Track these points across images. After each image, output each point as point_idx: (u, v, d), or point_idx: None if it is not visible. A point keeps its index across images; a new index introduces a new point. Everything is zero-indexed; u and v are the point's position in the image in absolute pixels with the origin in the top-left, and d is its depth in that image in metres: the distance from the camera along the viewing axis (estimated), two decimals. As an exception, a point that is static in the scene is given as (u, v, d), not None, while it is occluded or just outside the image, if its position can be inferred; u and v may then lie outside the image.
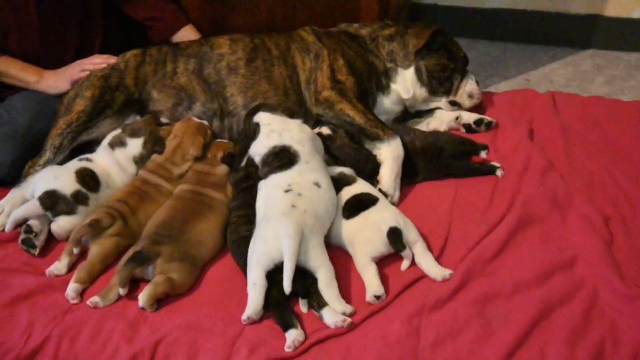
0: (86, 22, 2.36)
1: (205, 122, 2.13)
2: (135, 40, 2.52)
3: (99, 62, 2.23)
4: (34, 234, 1.82)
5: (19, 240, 1.85)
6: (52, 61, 2.28)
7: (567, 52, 3.31)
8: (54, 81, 2.24)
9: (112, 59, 2.25)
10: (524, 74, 3.12)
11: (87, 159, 2.00)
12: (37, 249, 1.84)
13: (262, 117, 1.95)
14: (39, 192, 1.85)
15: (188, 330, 1.59)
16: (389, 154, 1.99)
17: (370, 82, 2.22)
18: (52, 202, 1.83)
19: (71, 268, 1.78)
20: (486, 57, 3.29)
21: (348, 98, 2.09)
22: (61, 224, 1.85)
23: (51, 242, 1.89)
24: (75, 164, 1.97)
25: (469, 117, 2.28)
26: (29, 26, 2.22)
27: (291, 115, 1.99)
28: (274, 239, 1.58)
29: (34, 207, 1.83)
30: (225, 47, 2.25)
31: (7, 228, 1.83)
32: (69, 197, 1.85)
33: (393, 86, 2.27)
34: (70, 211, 1.85)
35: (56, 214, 1.84)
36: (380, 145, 2.01)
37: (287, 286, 1.52)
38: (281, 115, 1.96)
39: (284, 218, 1.63)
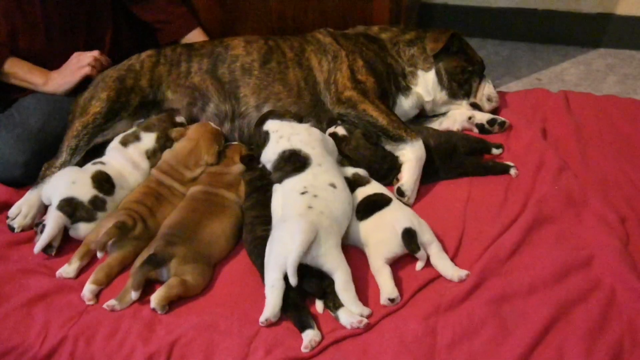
0: (94, 23, 2.36)
1: (219, 129, 2.14)
2: (145, 42, 2.53)
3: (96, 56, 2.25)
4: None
5: (36, 240, 1.86)
6: (60, 62, 2.28)
7: (579, 52, 3.28)
8: (61, 79, 2.24)
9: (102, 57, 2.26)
10: (535, 74, 3.10)
11: (101, 163, 2.00)
12: (54, 250, 1.85)
13: (271, 125, 1.96)
14: (56, 198, 1.85)
15: (204, 330, 1.59)
16: (411, 155, 1.99)
17: (389, 83, 2.22)
18: (72, 209, 1.84)
19: (80, 272, 1.80)
20: (496, 56, 3.28)
21: (370, 98, 2.09)
22: (80, 231, 1.86)
23: (66, 243, 1.90)
24: (89, 168, 1.97)
25: (482, 117, 2.28)
26: (35, 27, 2.23)
27: (299, 120, 2.01)
28: (290, 240, 1.57)
29: (58, 219, 1.82)
30: (239, 48, 2.25)
31: (37, 249, 1.80)
32: (87, 204, 1.86)
33: (414, 88, 2.28)
34: (90, 218, 1.86)
35: (76, 220, 1.85)
36: (403, 146, 2.01)
37: (292, 280, 1.53)
38: (289, 120, 1.97)
39: (299, 218, 1.63)
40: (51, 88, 2.24)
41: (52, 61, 2.27)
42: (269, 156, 1.89)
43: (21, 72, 2.23)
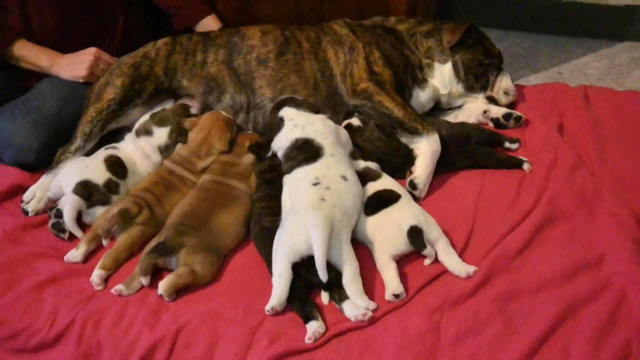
0: (107, 8, 2.37)
1: (231, 117, 2.14)
2: (158, 28, 2.53)
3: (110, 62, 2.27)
4: (63, 219, 1.85)
5: (49, 224, 1.89)
6: (71, 47, 2.29)
7: (603, 45, 3.22)
8: (68, 66, 2.26)
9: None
10: (556, 67, 3.06)
11: (114, 147, 2.02)
12: (67, 233, 1.87)
13: (287, 112, 1.96)
14: (69, 185, 1.87)
15: (209, 318, 1.60)
16: (427, 149, 1.98)
17: (406, 75, 2.20)
18: (88, 192, 1.86)
19: (88, 256, 1.81)
20: (517, 48, 3.23)
21: (386, 90, 2.07)
22: (97, 215, 1.88)
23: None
24: (102, 152, 1.99)
25: (498, 111, 2.25)
26: (48, 12, 2.24)
27: (316, 111, 2.01)
28: (302, 232, 1.57)
29: (74, 202, 1.84)
30: (255, 38, 2.25)
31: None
32: (102, 187, 1.88)
33: (431, 80, 2.26)
34: (105, 201, 1.89)
35: (92, 204, 1.87)
36: (418, 139, 2.00)
37: (321, 275, 1.52)
38: (306, 110, 1.97)
39: (313, 211, 1.62)
40: (57, 71, 2.26)
41: (65, 46, 2.29)
42: (281, 143, 1.89)
43: (29, 54, 2.25)
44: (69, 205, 1.84)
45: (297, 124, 1.91)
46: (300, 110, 1.97)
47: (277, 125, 1.97)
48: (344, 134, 1.96)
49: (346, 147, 1.93)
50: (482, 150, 2.04)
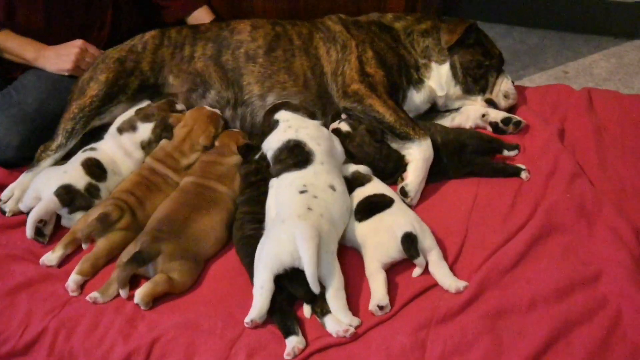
0: (94, 1, 2.30)
1: (218, 112, 2.08)
2: (148, 21, 2.46)
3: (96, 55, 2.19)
4: (43, 223, 1.79)
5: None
6: (57, 39, 2.22)
7: (611, 43, 3.11)
8: (54, 58, 2.18)
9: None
10: (561, 65, 2.95)
11: (92, 149, 1.96)
12: (47, 238, 1.82)
13: (282, 115, 1.91)
14: (52, 186, 1.80)
15: (186, 329, 1.55)
16: (418, 155, 1.90)
17: (400, 76, 2.12)
18: (70, 197, 1.80)
19: (65, 260, 1.76)
20: (522, 45, 3.13)
21: (378, 93, 2.00)
22: (77, 219, 1.81)
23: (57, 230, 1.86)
24: (79, 156, 1.93)
25: (497, 115, 2.16)
26: (34, 4, 2.17)
27: (313, 117, 1.95)
28: (287, 242, 1.52)
29: (51, 203, 1.78)
30: (245, 33, 2.17)
31: (28, 233, 1.78)
32: (84, 192, 1.82)
33: (427, 82, 2.17)
34: (88, 206, 1.83)
35: (74, 209, 1.81)
36: (410, 145, 1.92)
37: (315, 288, 1.47)
38: (302, 115, 1.91)
39: (300, 221, 1.56)
40: (42, 64, 2.18)
41: (50, 38, 2.22)
42: (272, 143, 1.82)
43: (14, 45, 2.18)
44: (43, 203, 1.78)
45: (291, 125, 1.85)
46: (297, 115, 1.91)
47: (269, 127, 1.90)
48: (338, 143, 1.89)
49: (339, 157, 1.87)
50: (479, 160, 1.97)
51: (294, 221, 1.56)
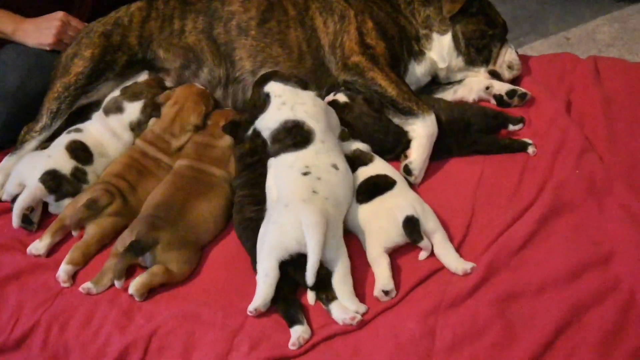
0: None
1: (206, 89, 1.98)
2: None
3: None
4: (30, 210, 1.72)
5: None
6: (37, 10, 2.09)
7: (614, 7, 3.02)
8: (33, 31, 2.06)
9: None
10: (563, 32, 2.87)
11: (77, 130, 1.87)
12: (35, 225, 1.75)
13: (273, 88, 1.80)
14: (37, 172, 1.72)
15: (185, 320, 1.51)
16: (422, 131, 1.83)
17: (401, 48, 2.03)
18: (57, 183, 1.72)
19: (54, 249, 1.70)
20: (522, 11, 3.03)
21: (380, 65, 1.91)
22: (65, 205, 1.73)
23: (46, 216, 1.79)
24: (63, 138, 1.84)
25: (501, 88, 2.08)
26: None
27: (304, 86, 1.84)
28: (292, 228, 1.46)
29: (37, 190, 1.70)
30: (237, 3, 2.06)
31: (15, 223, 1.70)
32: (70, 177, 1.74)
33: (428, 53, 2.08)
34: (76, 192, 1.75)
35: (61, 196, 1.74)
36: (413, 120, 1.85)
37: (310, 279, 1.42)
38: (294, 86, 1.81)
39: (305, 205, 1.50)
40: (21, 37, 2.06)
41: (29, 10, 2.09)
42: (268, 123, 1.73)
43: None
44: (28, 190, 1.69)
45: (285, 101, 1.75)
46: (288, 86, 1.81)
47: (261, 101, 1.80)
48: (334, 115, 1.81)
49: (335, 130, 1.79)
50: (484, 138, 1.90)
51: (299, 206, 1.50)
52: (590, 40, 2.77)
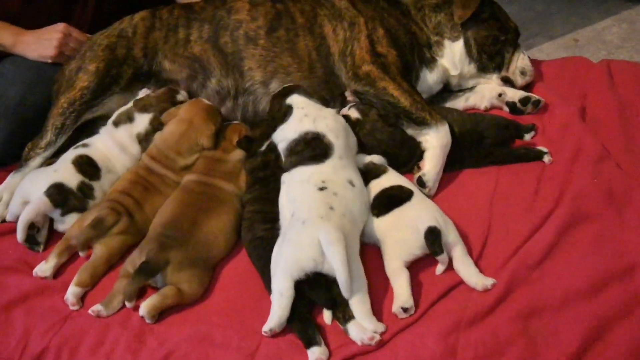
0: None
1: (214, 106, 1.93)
2: (132, 4, 2.26)
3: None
4: (36, 230, 1.67)
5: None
6: (37, 22, 2.05)
7: (621, 7, 2.97)
8: (34, 44, 2.01)
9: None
10: (571, 33, 2.82)
11: (84, 145, 1.83)
12: (42, 245, 1.70)
13: (296, 100, 1.76)
14: (38, 191, 1.67)
15: (199, 343, 1.46)
16: (436, 142, 1.79)
17: (413, 56, 1.98)
18: (63, 197, 1.67)
19: (60, 270, 1.65)
20: (529, 12, 2.98)
21: (391, 75, 1.86)
22: (72, 222, 1.69)
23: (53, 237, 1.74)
24: (70, 153, 1.79)
25: (514, 95, 2.03)
26: None
27: (326, 104, 1.82)
28: (309, 246, 1.41)
29: (43, 205, 1.65)
30: (244, 12, 2.01)
31: (19, 237, 1.65)
32: (76, 191, 1.70)
33: (440, 60, 2.03)
34: (82, 207, 1.71)
35: (68, 211, 1.69)
36: (427, 131, 1.80)
37: (347, 294, 1.39)
38: (316, 101, 1.78)
39: (323, 222, 1.45)
40: (21, 50, 2.01)
41: (29, 22, 2.05)
42: (288, 133, 1.70)
43: None
44: (33, 204, 1.65)
45: (307, 114, 1.71)
46: (312, 101, 1.78)
47: (282, 114, 1.76)
48: (352, 135, 1.77)
49: (354, 149, 1.75)
50: (498, 150, 1.86)
51: (317, 223, 1.45)
52: (600, 42, 2.73)
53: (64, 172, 1.72)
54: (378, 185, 1.67)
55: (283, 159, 1.68)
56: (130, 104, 1.90)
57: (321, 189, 1.54)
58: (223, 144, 1.81)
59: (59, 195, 1.67)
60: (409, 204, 1.60)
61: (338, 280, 1.37)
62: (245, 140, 1.78)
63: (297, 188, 1.58)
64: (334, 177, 1.57)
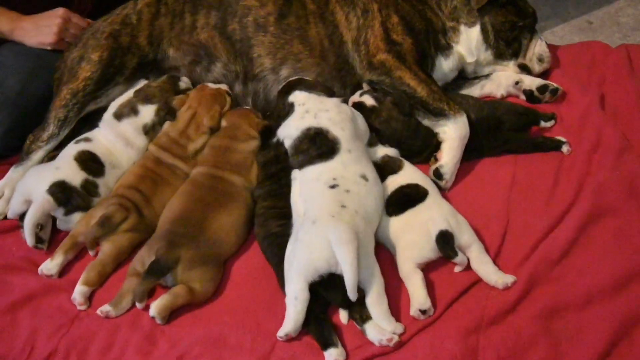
0: None
1: (224, 87, 1.88)
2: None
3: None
4: (39, 227, 1.61)
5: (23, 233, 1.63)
6: (35, 7, 1.97)
7: (635, -13, 2.89)
8: (33, 30, 1.93)
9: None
10: (585, 15, 2.74)
11: (86, 139, 1.76)
12: (46, 243, 1.64)
13: (297, 96, 1.71)
14: (40, 190, 1.60)
15: (211, 345, 1.42)
16: (454, 133, 1.73)
17: (428, 43, 1.91)
18: (66, 195, 1.61)
19: (66, 268, 1.59)
20: (540, -7, 2.90)
21: (407, 64, 1.80)
22: (75, 221, 1.63)
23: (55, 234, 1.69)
24: (71, 149, 1.73)
25: (531, 83, 1.97)
26: None
27: (331, 94, 1.74)
28: (321, 247, 1.36)
29: (46, 204, 1.59)
30: None
31: (29, 241, 1.60)
32: (80, 189, 1.64)
33: (456, 47, 1.96)
34: (86, 206, 1.64)
35: (72, 210, 1.63)
36: (444, 122, 1.74)
37: (352, 296, 1.34)
38: (319, 94, 1.71)
39: (334, 221, 1.40)
40: (19, 36, 1.93)
41: (27, 7, 1.96)
42: (290, 131, 1.64)
43: None
44: (36, 204, 1.59)
45: (308, 109, 1.66)
46: (313, 94, 1.71)
47: (285, 111, 1.71)
48: (362, 121, 1.71)
49: (364, 137, 1.69)
50: (516, 137, 1.80)
51: (328, 222, 1.40)
52: (615, 24, 2.65)
53: (67, 169, 1.65)
54: (395, 182, 1.62)
55: (290, 157, 1.62)
56: (130, 95, 1.83)
57: (332, 186, 1.49)
58: (232, 131, 1.74)
59: (62, 193, 1.61)
60: (422, 205, 1.56)
61: (345, 282, 1.32)
62: (266, 129, 1.73)
63: (309, 186, 1.53)
64: (345, 174, 1.52)
